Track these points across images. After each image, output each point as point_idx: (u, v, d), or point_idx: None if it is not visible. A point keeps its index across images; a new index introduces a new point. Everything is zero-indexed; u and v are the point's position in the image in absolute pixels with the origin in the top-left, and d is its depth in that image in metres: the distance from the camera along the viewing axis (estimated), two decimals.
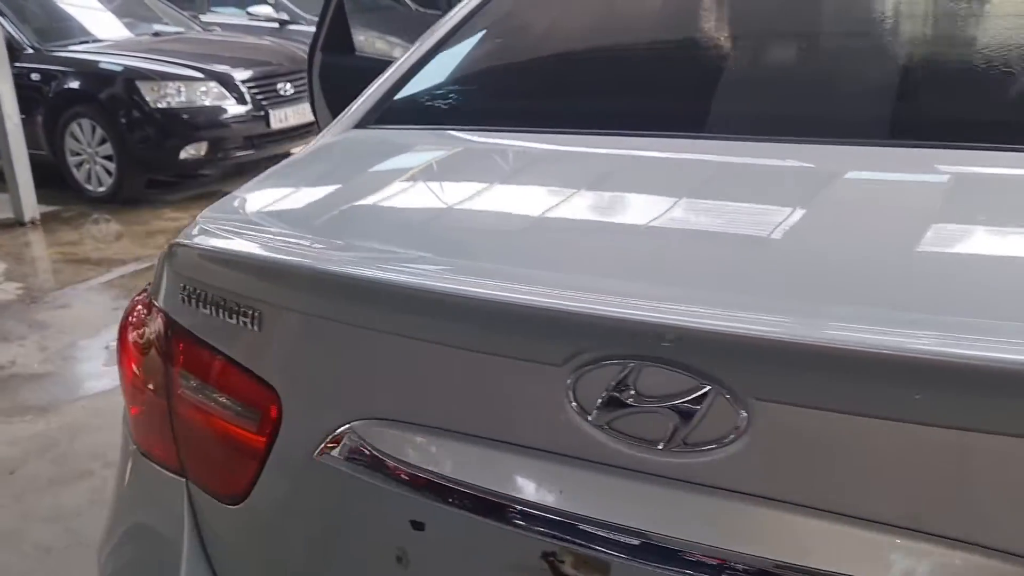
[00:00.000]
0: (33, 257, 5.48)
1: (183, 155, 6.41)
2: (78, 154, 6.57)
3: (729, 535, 0.84)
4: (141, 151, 6.43)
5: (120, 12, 7.67)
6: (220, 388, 1.13)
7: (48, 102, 6.55)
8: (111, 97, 6.38)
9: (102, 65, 6.59)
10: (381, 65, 2.00)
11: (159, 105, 6.32)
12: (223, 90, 6.56)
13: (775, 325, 0.79)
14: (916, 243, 0.95)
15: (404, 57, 1.69)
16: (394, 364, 0.99)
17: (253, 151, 6.81)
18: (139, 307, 1.29)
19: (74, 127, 6.54)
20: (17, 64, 6.14)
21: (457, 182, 1.36)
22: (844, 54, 1.51)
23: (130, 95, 6.33)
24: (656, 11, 1.79)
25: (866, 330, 0.77)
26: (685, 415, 0.83)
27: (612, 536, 0.88)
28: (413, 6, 4.27)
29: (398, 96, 1.60)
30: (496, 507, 0.94)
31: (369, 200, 1.29)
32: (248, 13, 9.78)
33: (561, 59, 1.66)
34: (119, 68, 6.48)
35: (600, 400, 0.86)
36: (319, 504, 1.09)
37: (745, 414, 0.81)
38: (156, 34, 7.64)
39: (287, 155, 7.68)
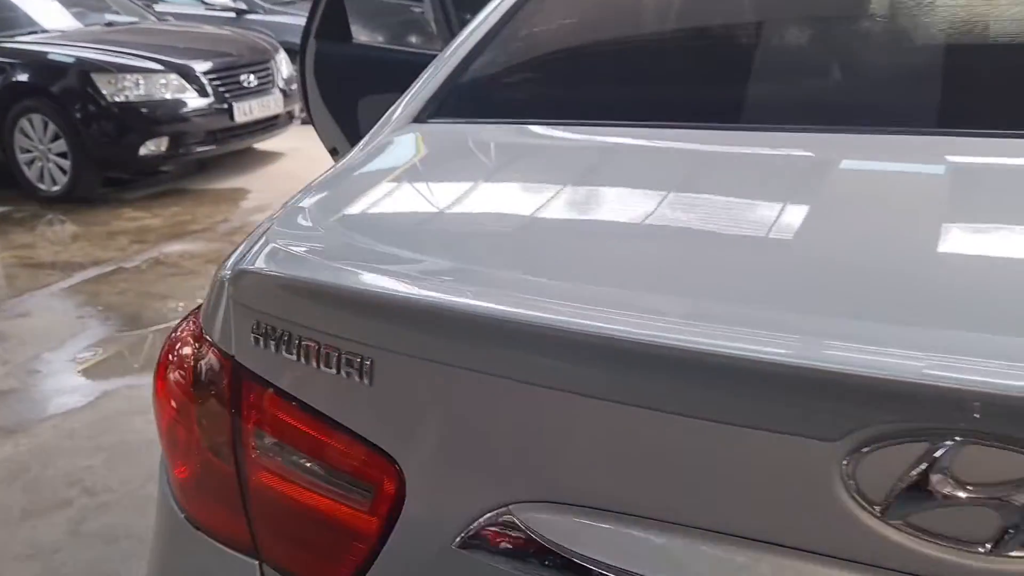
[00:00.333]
0: None
1: (143, 151, 6.11)
2: (29, 151, 6.19)
3: None
4: (98, 147, 6.07)
5: (69, 1, 7.28)
6: (314, 454, 0.90)
7: None
8: (65, 91, 6.03)
9: (53, 57, 6.23)
10: (382, 54, 1.80)
11: (117, 99, 6.00)
12: (184, 82, 6.26)
13: None
14: None
15: (458, 42, 1.47)
16: (579, 430, 0.76)
17: (216, 146, 6.59)
18: (183, 342, 1.06)
19: (24, 123, 6.16)
20: None
21: (578, 187, 1.14)
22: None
23: (85, 88, 5.98)
24: None
25: None
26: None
27: None
28: None
29: (458, 86, 1.39)
30: None
31: (484, 210, 1.07)
32: (203, 2, 9.42)
33: (654, 39, 1.45)
34: (72, 60, 6.13)
35: (894, 486, 0.66)
36: None
37: None
38: (109, 24, 7.29)
39: (251, 150, 7.53)
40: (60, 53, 6.25)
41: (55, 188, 6.18)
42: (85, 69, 6.03)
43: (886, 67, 1.32)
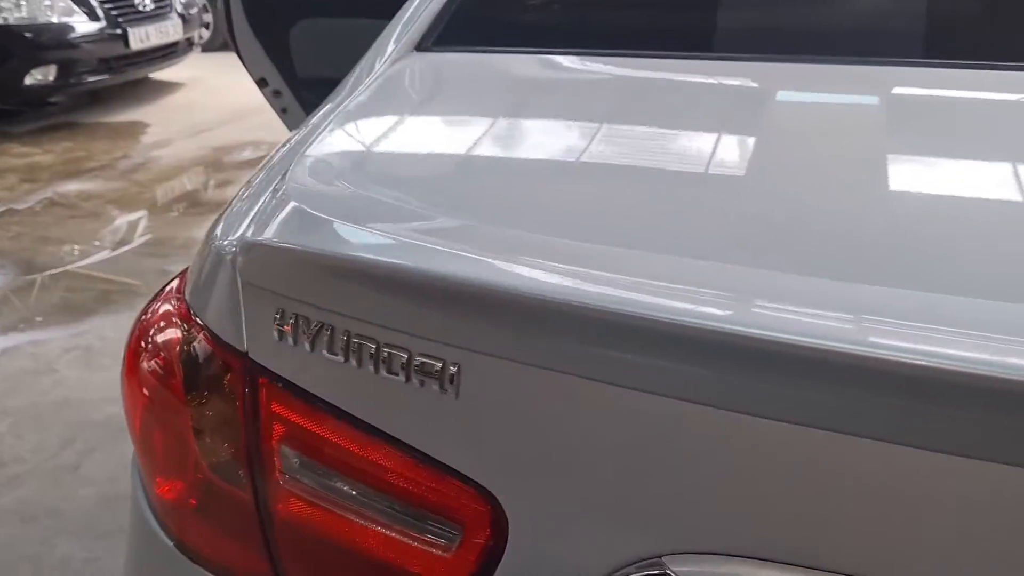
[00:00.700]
0: None
1: (28, 80, 5.68)
2: None
3: None
4: None
5: None
6: (370, 482, 0.69)
7: None
8: None
9: None
10: None
11: None
12: (72, 4, 5.82)
13: None
14: None
15: None
16: (773, 465, 0.58)
17: (109, 75, 6.20)
18: (161, 324, 0.83)
19: None
20: None
21: (636, 126, 0.95)
22: None
23: None
24: None
25: None
26: None
27: None
28: None
29: (466, 5, 1.17)
30: None
31: (558, 159, 0.87)
32: None
33: None
34: None
35: None
36: None
37: None
38: None
39: (147, 80, 7.03)
40: None
41: None
42: None
43: None
